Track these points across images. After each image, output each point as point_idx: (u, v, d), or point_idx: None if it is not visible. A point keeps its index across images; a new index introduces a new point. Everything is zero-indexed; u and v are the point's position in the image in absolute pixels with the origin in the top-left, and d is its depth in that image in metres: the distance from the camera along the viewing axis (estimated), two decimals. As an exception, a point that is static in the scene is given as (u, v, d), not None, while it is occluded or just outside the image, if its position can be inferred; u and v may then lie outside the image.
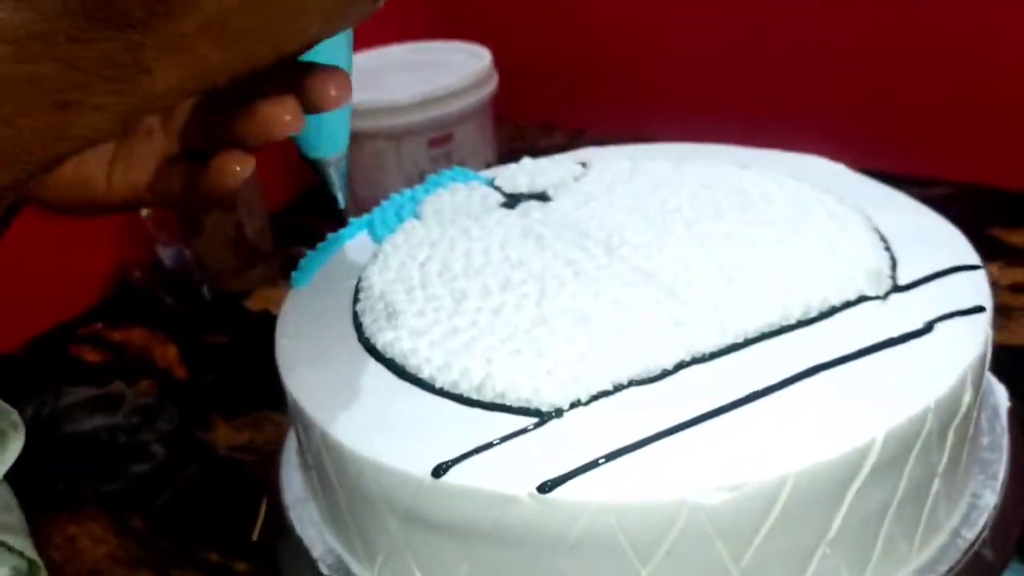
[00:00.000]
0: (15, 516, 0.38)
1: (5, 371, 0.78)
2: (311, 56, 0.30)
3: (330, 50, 0.32)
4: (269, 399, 0.69)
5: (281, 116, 0.30)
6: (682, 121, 0.64)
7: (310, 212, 0.92)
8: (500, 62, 0.89)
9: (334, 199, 0.42)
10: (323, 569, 0.39)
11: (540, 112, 1.05)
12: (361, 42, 0.97)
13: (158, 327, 0.81)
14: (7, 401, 0.36)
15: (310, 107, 0.31)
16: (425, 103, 0.83)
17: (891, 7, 0.81)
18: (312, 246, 0.48)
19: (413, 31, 0.95)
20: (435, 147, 0.85)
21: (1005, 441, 0.41)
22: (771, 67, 0.88)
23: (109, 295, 0.86)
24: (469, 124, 0.87)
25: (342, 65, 0.34)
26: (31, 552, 0.37)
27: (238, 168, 0.32)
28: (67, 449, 0.66)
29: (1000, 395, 0.43)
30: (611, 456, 0.32)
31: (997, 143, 0.81)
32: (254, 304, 0.83)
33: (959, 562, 0.36)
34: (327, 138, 0.39)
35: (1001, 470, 0.39)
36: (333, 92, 0.30)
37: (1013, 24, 0.77)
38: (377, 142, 0.85)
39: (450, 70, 0.87)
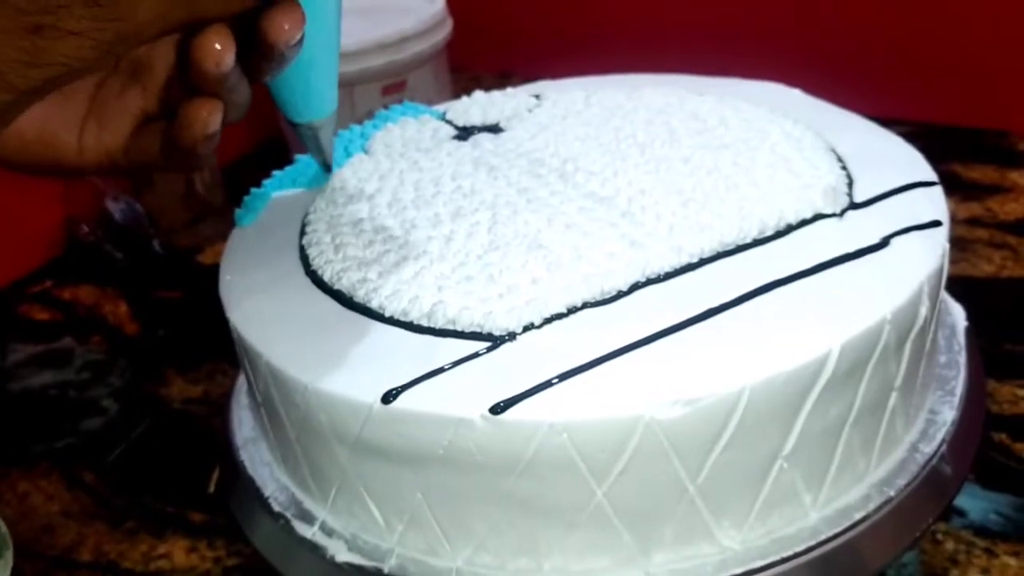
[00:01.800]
0: None
1: (-51, 333, 0.76)
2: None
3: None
4: (223, 352, 0.68)
5: (211, 44, 0.28)
6: (640, 68, 0.63)
7: (262, 167, 0.90)
8: (455, 11, 0.87)
9: (325, 166, 0.41)
10: (275, 507, 0.38)
11: (497, 62, 1.03)
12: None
13: (108, 284, 0.79)
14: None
15: (265, 48, 0.28)
16: (377, 48, 0.82)
17: None
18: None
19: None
20: (388, 94, 0.83)
21: (962, 359, 0.41)
22: (727, 5, 0.87)
23: (58, 252, 0.84)
24: (423, 70, 0.85)
25: (330, 13, 0.33)
26: None
27: (205, 114, 0.29)
28: (16, 406, 0.65)
29: (957, 314, 0.43)
30: (565, 376, 0.31)
31: (955, 82, 0.81)
32: (206, 259, 0.81)
33: (917, 476, 0.36)
34: (314, 100, 0.36)
35: (959, 387, 0.39)
36: (286, 26, 0.28)
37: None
38: (329, 90, 0.83)
39: (402, 15, 0.85)
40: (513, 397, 0.31)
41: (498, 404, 0.31)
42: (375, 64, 0.82)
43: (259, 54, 0.29)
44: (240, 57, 0.28)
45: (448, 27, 0.87)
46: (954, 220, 0.67)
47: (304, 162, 0.47)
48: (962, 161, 0.77)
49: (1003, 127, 0.80)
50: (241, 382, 0.46)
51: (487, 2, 0.98)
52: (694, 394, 0.30)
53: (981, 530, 0.48)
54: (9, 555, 0.36)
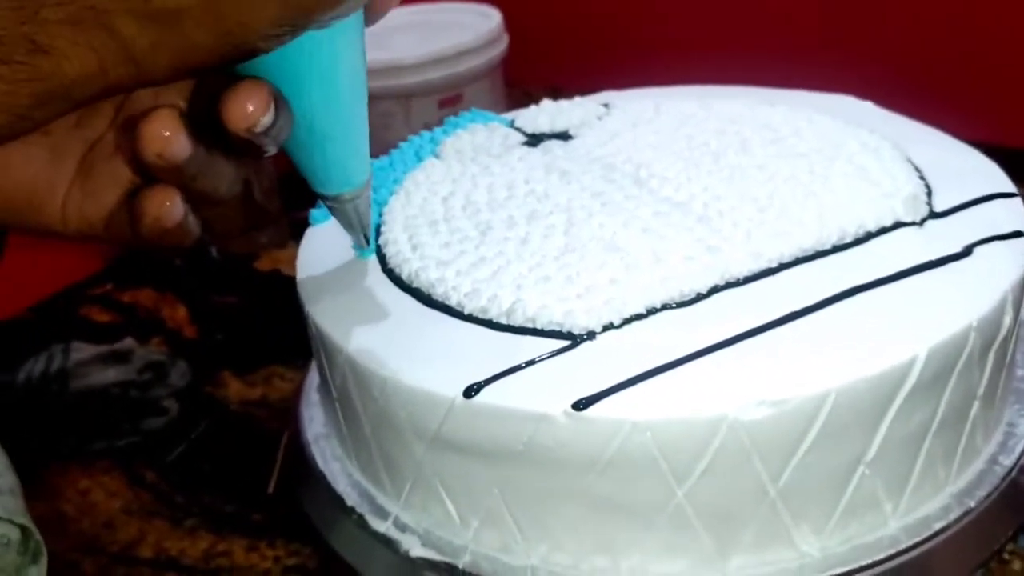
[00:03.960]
0: (6, 480, 0.35)
1: (13, 333, 0.77)
2: (304, 71, 0.27)
3: (321, 56, 0.27)
4: (281, 356, 0.69)
5: (155, 131, 0.25)
6: (698, 82, 0.63)
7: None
8: (511, 29, 0.88)
9: (360, 243, 0.38)
10: (348, 502, 0.39)
11: (548, 77, 1.03)
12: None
13: (167, 288, 0.80)
14: (14, 360, 0.34)
15: (232, 130, 0.25)
16: (434, 62, 0.83)
17: None
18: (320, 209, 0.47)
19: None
20: (445, 107, 0.84)
21: (1041, 374, 0.40)
22: (787, 26, 0.87)
23: (118, 257, 0.85)
24: (479, 85, 0.86)
25: (340, 85, 0.29)
26: (23, 518, 0.34)
27: (156, 207, 0.26)
28: (78, 404, 0.66)
29: (1034, 329, 0.42)
30: (647, 375, 0.31)
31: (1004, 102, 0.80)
32: (263, 265, 0.82)
33: (997, 488, 0.35)
34: (336, 173, 0.33)
35: (1038, 401, 0.39)
36: (249, 107, 0.25)
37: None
38: (386, 102, 0.84)
39: (459, 30, 0.87)
40: (595, 394, 0.31)
41: (580, 401, 0.31)
42: (432, 77, 0.83)
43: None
44: (216, 135, 0.26)
45: (504, 42, 0.87)
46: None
47: (375, 165, 0.48)
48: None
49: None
50: (309, 381, 0.46)
51: (541, 20, 0.98)
52: (779, 395, 0.30)
53: (1050, 552, 0.47)
54: (43, 561, 0.36)
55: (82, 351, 0.68)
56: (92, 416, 0.65)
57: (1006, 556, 0.47)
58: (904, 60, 0.83)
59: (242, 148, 0.27)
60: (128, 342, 0.70)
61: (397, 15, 1.00)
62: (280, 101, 0.26)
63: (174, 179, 0.26)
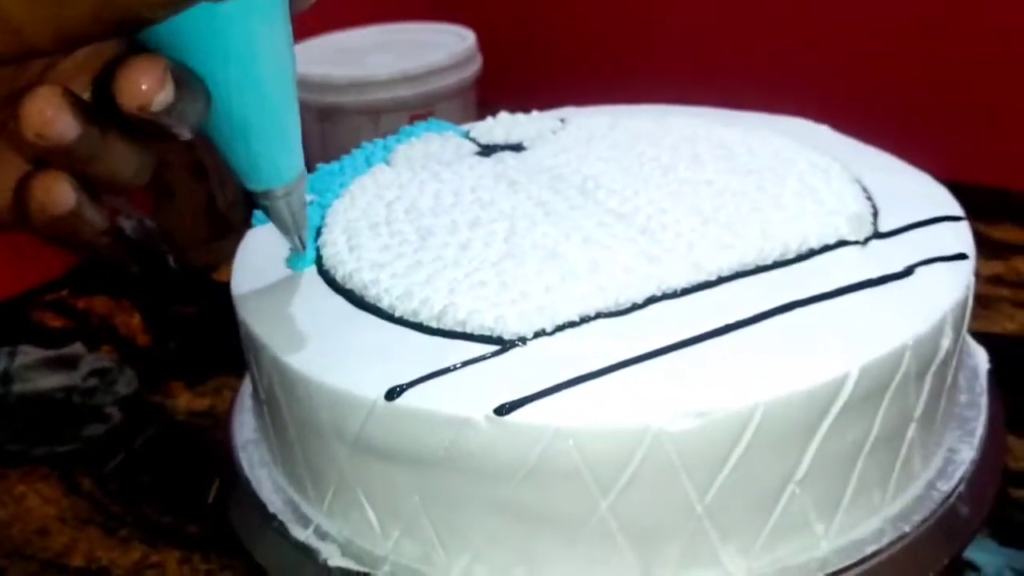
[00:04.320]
0: None
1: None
2: (223, 50, 0.25)
3: (233, 34, 0.26)
4: (234, 367, 0.67)
5: (39, 109, 0.23)
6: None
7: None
8: (486, 50, 0.88)
9: (295, 246, 0.36)
10: (270, 509, 0.37)
11: (523, 98, 1.04)
12: (344, 23, 0.96)
13: (123, 296, 0.79)
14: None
15: (124, 109, 0.24)
16: (405, 79, 0.82)
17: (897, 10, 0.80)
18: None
19: (402, 16, 0.95)
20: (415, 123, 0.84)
21: (984, 401, 0.39)
22: (762, 57, 0.88)
23: (76, 264, 0.84)
24: (451, 104, 0.86)
25: (259, 69, 0.27)
26: None
27: (41, 193, 0.25)
28: (19, 409, 0.64)
29: (980, 357, 0.42)
30: (573, 381, 0.31)
31: (982, 141, 0.80)
32: (222, 276, 0.81)
33: (933, 514, 0.34)
34: (263, 166, 0.31)
35: (979, 428, 0.38)
36: (143, 85, 0.23)
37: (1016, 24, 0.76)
38: (356, 118, 0.84)
39: (433, 49, 0.87)
40: (519, 399, 0.30)
41: (503, 405, 0.30)
42: (404, 94, 0.83)
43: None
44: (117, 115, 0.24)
45: (478, 63, 0.87)
46: (978, 278, 0.66)
47: (325, 170, 0.47)
48: (987, 220, 0.76)
49: (1027, 187, 0.79)
50: (245, 386, 0.45)
51: (515, 41, 0.99)
52: (705, 407, 0.29)
53: (997, 587, 0.47)
54: None
55: (28, 355, 0.67)
56: (33, 421, 0.63)
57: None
58: (864, 88, 0.83)
59: (146, 130, 0.25)
60: (76, 347, 0.68)
61: (372, 34, 1.00)
62: (186, 79, 0.24)
63: (64, 163, 0.25)
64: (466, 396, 0.31)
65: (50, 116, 0.23)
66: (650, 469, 0.30)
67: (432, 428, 0.31)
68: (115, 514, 0.56)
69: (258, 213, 0.45)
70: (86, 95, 0.25)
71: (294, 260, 0.39)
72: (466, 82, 0.86)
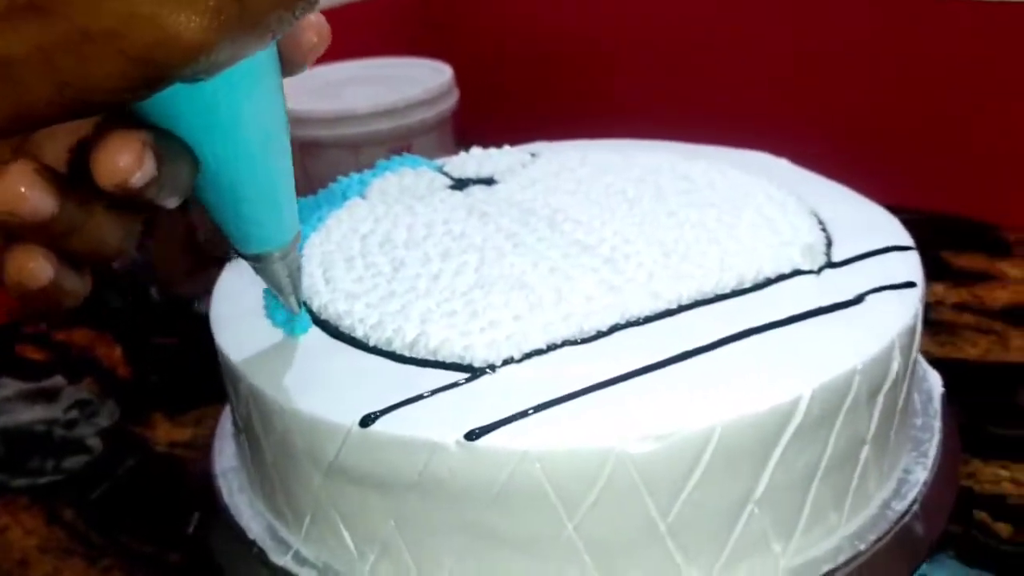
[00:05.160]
0: None
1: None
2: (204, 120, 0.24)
3: (220, 108, 0.25)
4: (215, 397, 0.68)
5: (11, 187, 0.22)
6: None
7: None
8: (463, 85, 0.90)
9: (289, 307, 0.35)
10: (249, 535, 0.38)
11: (501, 133, 1.06)
12: (323, 57, 0.98)
13: (104, 328, 0.80)
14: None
15: (102, 186, 0.23)
16: (384, 113, 0.84)
17: (866, 34, 0.82)
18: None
19: (381, 51, 0.97)
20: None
21: (937, 424, 0.41)
22: (733, 92, 0.90)
23: (56, 296, 0.85)
24: (429, 137, 0.87)
25: (248, 140, 0.26)
26: None
27: (15, 270, 0.24)
28: (1, 441, 0.65)
29: (934, 381, 0.43)
30: (540, 407, 0.32)
31: (947, 172, 0.82)
32: (205, 307, 0.82)
33: (888, 533, 0.36)
34: (253, 231, 0.31)
35: (932, 450, 0.40)
36: (120, 163, 0.22)
37: (983, 59, 0.78)
38: (335, 151, 0.85)
39: (410, 83, 0.88)
40: (488, 425, 0.31)
41: (473, 431, 0.31)
42: (381, 128, 0.84)
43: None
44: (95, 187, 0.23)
45: (454, 97, 0.89)
46: (942, 305, 0.68)
47: (302, 204, 0.49)
48: (952, 249, 0.79)
49: (992, 220, 0.82)
50: (226, 413, 0.46)
51: (492, 75, 1.01)
52: (665, 430, 0.31)
53: (959, 606, 0.48)
54: None
55: (8, 388, 0.68)
56: (14, 453, 0.64)
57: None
58: (823, 121, 0.85)
59: (128, 202, 0.24)
60: (57, 380, 0.69)
61: (351, 68, 1.02)
62: (168, 150, 0.24)
63: (40, 238, 0.24)
64: (438, 422, 0.32)
65: (23, 194, 0.22)
66: (614, 490, 0.31)
67: (405, 453, 0.32)
68: (97, 544, 0.57)
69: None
70: (62, 165, 0.24)
71: (289, 324, 0.38)
72: (444, 115, 0.88)
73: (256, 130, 0.27)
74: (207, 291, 0.85)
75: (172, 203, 0.25)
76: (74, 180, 0.24)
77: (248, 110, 0.26)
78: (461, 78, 0.91)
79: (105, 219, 0.25)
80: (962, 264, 0.77)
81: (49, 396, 0.67)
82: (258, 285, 0.42)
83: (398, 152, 0.86)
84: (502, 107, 1.04)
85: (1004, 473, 0.56)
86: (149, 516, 0.59)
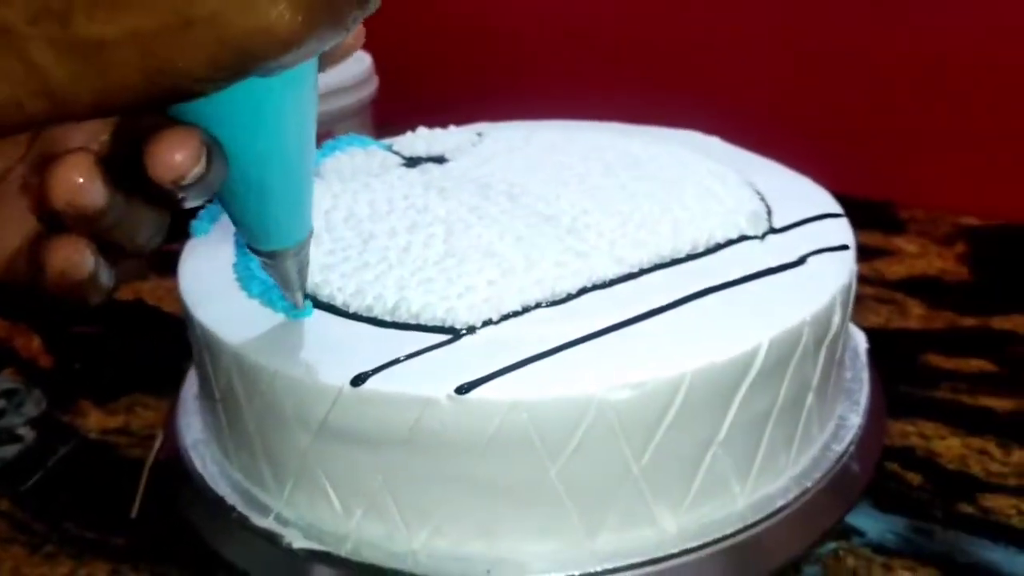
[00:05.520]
0: None
1: None
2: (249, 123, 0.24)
3: (268, 106, 0.25)
4: (145, 384, 0.67)
5: (70, 176, 0.22)
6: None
7: (182, 211, 0.91)
8: (381, 71, 0.91)
9: (294, 302, 0.35)
10: (228, 502, 0.39)
11: (419, 120, 1.07)
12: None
13: (19, 319, 0.78)
14: None
15: (156, 181, 0.23)
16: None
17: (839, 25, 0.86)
18: (183, 244, 0.47)
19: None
20: (315, 144, 0.86)
21: (865, 375, 0.45)
22: (664, 78, 0.93)
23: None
24: (348, 124, 0.88)
25: (287, 138, 0.26)
26: None
27: (60, 260, 0.23)
28: (-75, 434, 0.63)
29: (859, 339, 0.47)
30: (524, 362, 0.34)
31: (847, 154, 0.88)
32: (124, 294, 0.80)
33: (829, 471, 0.39)
34: (273, 228, 0.30)
35: (863, 398, 0.44)
36: (178, 158, 0.23)
37: (868, 46, 0.83)
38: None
39: (330, 71, 0.89)
40: (477, 380, 0.33)
41: (463, 385, 0.33)
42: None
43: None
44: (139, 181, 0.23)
45: (374, 84, 0.90)
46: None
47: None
48: (854, 226, 0.84)
49: (888, 197, 0.88)
50: (185, 392, 0.47)
51: (411, 62, 1.02)
52: (641, 378, 0.33)
53: (879, 548, 0.52)
54: None
55: (-75, 380, 0.65)
56: (-60, 445, 0.62)
57: (840, 554, 0.52)
58: (752, 102, 0.89)
59: (168, 197, 0.24)
60: (-23, 371, 0.67)
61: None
62: (214, 151, 0.24)
63: (85, 228, 0.24)
64: (427, 379, 0.34)
65: (82, 184, 0.22)
66: (594, 436, 0.34)
67: (398, 410, 0.33)
68: (38, 531, 0.56)
69: (197, 223, 0.46)
70: (109, 158, 0.24)
71: (294, 310, 0.37)
72: (363, 102, 0.89)
73: (295, 128, 0.27)
74: (124, 281, 0.84)
75: (200, 200, 0.25)
76: (122, 173, 0.24)
77: (294, 107, 0.26)
78: (379, 65, 0.92)
79: (143, 213, 0.25)
80: (861, 240, 0.83)
81: (-29, 388, 0.65)
82: (224, 262, 0.43)
83: (320, 139, 0.86)
84: (420, 93, 1.05)
85: (911, 428, 0.61)
86: (88, 502, 0.58)
